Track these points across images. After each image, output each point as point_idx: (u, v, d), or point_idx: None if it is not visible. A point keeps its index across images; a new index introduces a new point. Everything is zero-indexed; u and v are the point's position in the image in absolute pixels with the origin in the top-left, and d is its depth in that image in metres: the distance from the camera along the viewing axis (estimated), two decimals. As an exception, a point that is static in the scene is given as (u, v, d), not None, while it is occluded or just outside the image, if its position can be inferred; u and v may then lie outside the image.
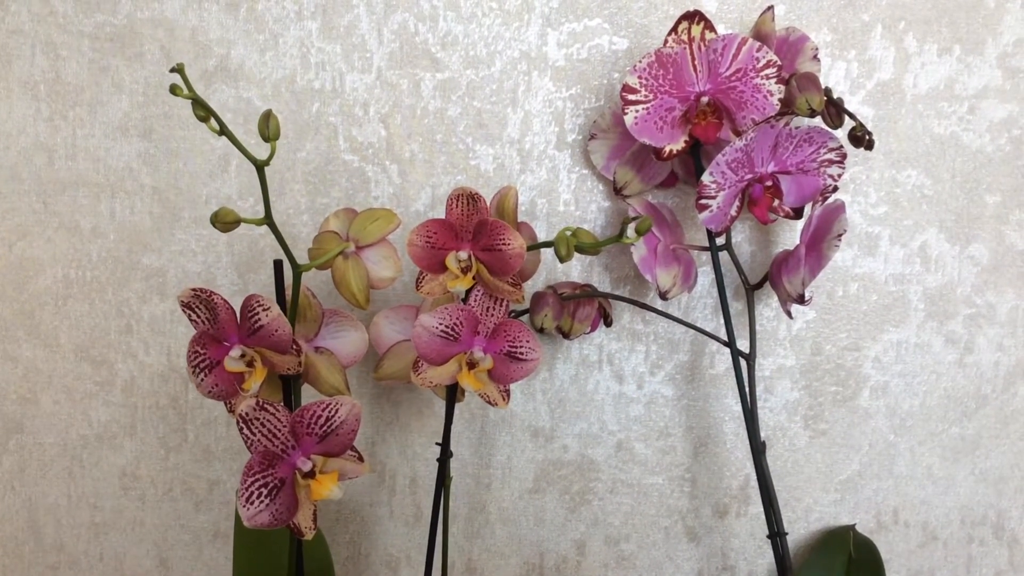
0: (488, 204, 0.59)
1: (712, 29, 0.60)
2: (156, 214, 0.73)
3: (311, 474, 0.54)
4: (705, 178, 0.60)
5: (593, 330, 0.68)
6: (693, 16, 0.60)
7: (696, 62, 0.60)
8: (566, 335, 0.66)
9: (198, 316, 0.55)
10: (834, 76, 0.72)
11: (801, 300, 0.63)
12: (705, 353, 0.75)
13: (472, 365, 0.59)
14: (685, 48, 0.60)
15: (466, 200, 0.57)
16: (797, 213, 0.65)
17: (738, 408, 0.75)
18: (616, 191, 0.68)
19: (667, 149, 0.62)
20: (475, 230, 0.58)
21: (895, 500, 0.77)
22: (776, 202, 0.62)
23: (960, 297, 0.74)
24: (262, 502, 0.53)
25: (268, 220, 0.55)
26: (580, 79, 0.71)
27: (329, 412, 0.53)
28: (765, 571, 0.78)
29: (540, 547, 0.77)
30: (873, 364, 0.75)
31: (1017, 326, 0.75)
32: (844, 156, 0.62)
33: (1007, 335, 0.75)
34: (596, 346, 0.74)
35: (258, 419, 0.52)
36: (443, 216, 0.59)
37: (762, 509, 0.68)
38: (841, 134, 0.63)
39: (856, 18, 0.71)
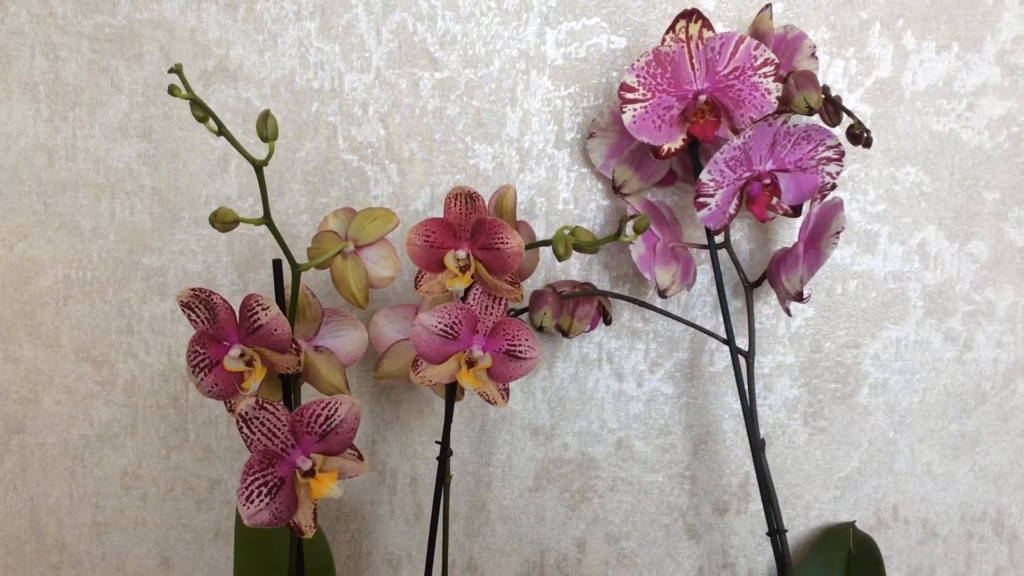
0: (487, 203, 0.59)
1: (710, 27, 0.61)
2: (156, 214, 0.73)
3: (311, 473, 0.54)
4: (703, 176, 0.61)
5: (592, 328, 0.68)
6: (691, 14, 0.60)
7: (694, 60, 0.60)
8: (565, 333, 0.66)
9: (198, 316, 0.56)
10: (832, 74, 0.72)
11: (800, 298, 0.63)
12: (704, 351, 0.75)
13: (471, 364, 0.59)
14: (683, 47, 0.60)
15: (464, 199, 0.57)
16: (795, 211, 0.65)
17: (737, 406, 0.75)
18: (615, 189, 0.68)
19: (665, 147, 0.62)
20: (473, 229, 0.58)
21: (895, 497, 0.77)
22: (774, 200, 0.62)
23: (959, 294, 0.74)
24: (262, 501, 0.53)
25: (267, 220, 0.55)
26: (578, 78, 0.72)
27: (329, 411, 0.53)
28: (765, 568, 0.78)
29: (541, 545, 0.77)
30: (872, 361, 0.75)
31: (1016, 323, 0.75)
32: (842, 154, 0.63)
33: (1006, 332, 0.75)
34: (595, 344, 0.75)
35: (258, 418, 0.52)
36: (442, 215, 0.59)
37: (762, 506, 0.68)
38: (839, 132, 0.63)
39: (854, 16, 0.71)
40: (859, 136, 0.63)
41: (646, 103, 0.61)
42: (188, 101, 0.51)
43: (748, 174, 0.62)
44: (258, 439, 0.53)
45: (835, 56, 0.71)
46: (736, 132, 0.61)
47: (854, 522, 0.76)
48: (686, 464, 0.76)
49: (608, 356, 0.75)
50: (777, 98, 0.60)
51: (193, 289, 0.54)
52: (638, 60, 0.60)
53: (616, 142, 0.69)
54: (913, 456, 0.76)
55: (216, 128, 0.52)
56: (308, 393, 0.61)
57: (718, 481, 0.76)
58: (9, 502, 0.77)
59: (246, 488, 0.53)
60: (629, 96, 0.60)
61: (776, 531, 0.65)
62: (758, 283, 0.68)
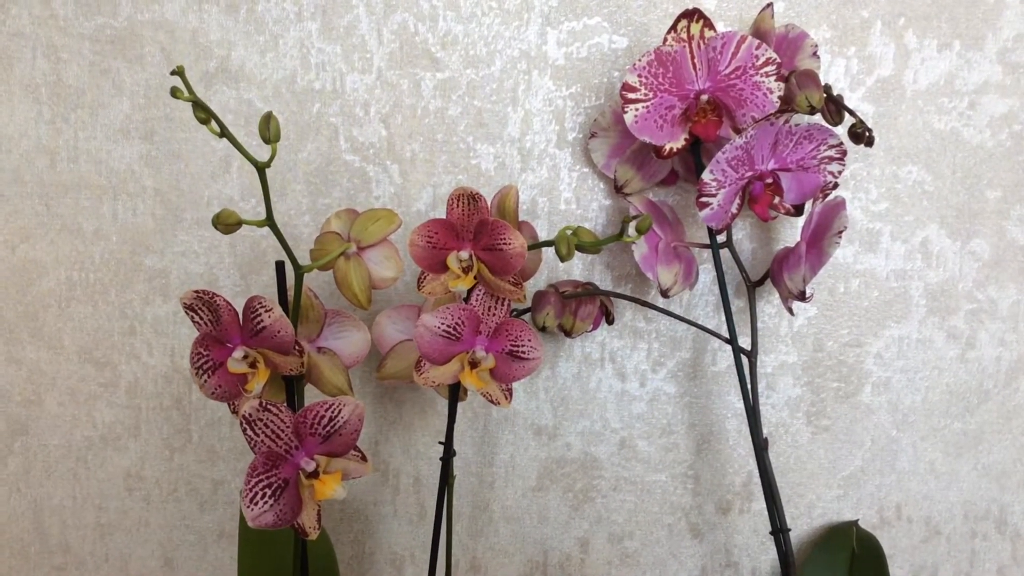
0: (489, 203, 0.59)
1: (711, 27, 0.61)
2: (158, 216, 0.73)
3: (315, 474, 0.54)
4: (705, 176, 0.61)
5: (595, 328, 0.68)
6: (692, 14, 0.60)
7: (696, 60, 0.60)
8: (568, 333, 0.66)
9: (201, 318, 0.56)
10: (834, 73, 0.72)
11: (802, 297, 0.63)
12: (707, 350, 0.75)
13: (474, 364, 0.59)
14: (684, 46, 0.60)
15: (467, 200, 0.57)
16: (798, 210, 0.65)
17: (740, 405, 0.75)
18: (617, 189, 0.68)
19: (667, 147, 0.62)
20: (476, 230, 0.58)
21: (898, 495, 0.77)
22: (777, 199, 0.62)
23: (961, 292, 0.74)
24: (266, 503, 0.53)
25: (270, 221, 0.55)
26: (580, 78, 0.72)
27: (332, 412, 0.53)
28: (768, 567, 0.78)
29: (544, 545, 0.78)
30: (875, 360, 0.75)
31: (1019, 321, 0.75)
32: (844, 153, 0.63)
33: (1009, 330, 0.75)
34: (598, 344, 0.75)
35: (261, 420, 0.52)
36: (444, 216, 0.59)
37: (765, 506, 0.68)
38: (841, 131, 0.63)
39: (855, 14, 0.71)
40: (861, 135, 0.63)
41: (648, 103, 0.61)
42: (190, 103, 0.51)
43: (750, 173, 0.62)
44: (262, 441, 0.53)
45: (836, 55, 0.71)
46: (738, 131, 0.61)
47: (857, 521, 0.76)
48: (689, 463, 0.76)
49: (611, 356, 0.75)
50: (779, 97, 0.60)
51: (196, 291, 0.54)
52: (640, 60, 0.60)
53: (618, 142, 0.69)
54: (916, 454, 0.76)
55: (218, 130, 0.52)
56: (311, 394, 0.61)
57: (721, 480, 0.76)
58: (12, 504, 0.77)
59: (250, 490, 0.53)
60: (631, 96, 0.60)
61: (779, 530, 0.65)
62: (760, 282, 0.68)
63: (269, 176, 0.71)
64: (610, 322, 0.70)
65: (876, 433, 0.76)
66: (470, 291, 0.60)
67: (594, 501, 0.77)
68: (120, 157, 0.73)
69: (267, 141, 0.54)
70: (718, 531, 0.77)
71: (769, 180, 0.62)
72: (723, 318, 0.71)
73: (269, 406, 0.52)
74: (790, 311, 0.67)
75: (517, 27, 0.71)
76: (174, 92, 0.50)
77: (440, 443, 0.66)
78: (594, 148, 0.70)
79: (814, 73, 0.61)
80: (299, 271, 0.57)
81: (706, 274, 0.73)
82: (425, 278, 0.60)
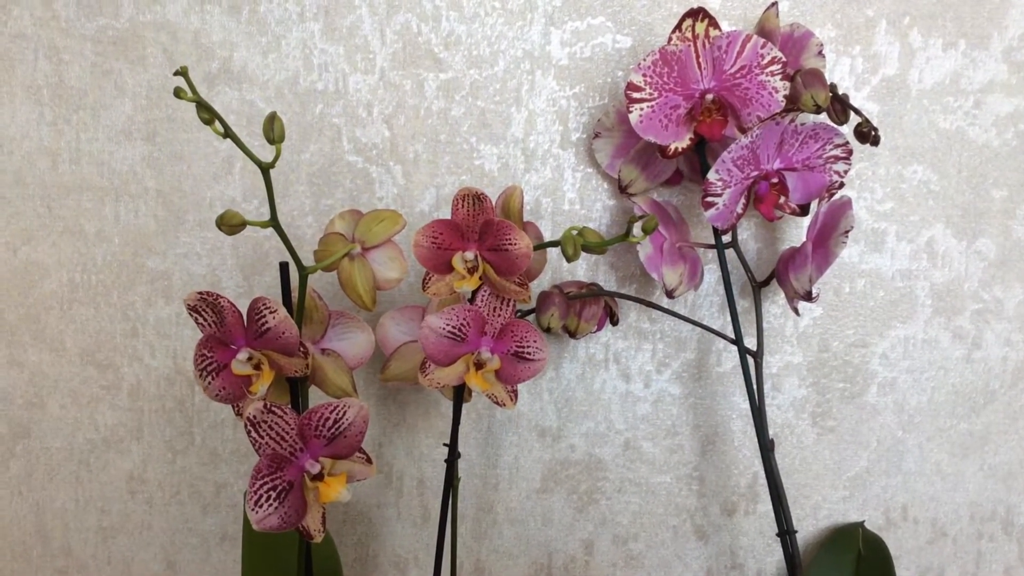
0: (493, 204, 0.59)
1: (716, 26, 0.60)
2: (161, 217, 0.73)
3: (319, 477, 0.54)
4: (711, 176, 0.60)
5: (599, 329, 0.67)
6: (697, 13, 0.60)
7: (700, 59, 0.60)
8: (572, 334, 0.66)
9: (205, 319, 0.55)
10: (839, 72, 0.71)
11: (808, 297, 0.62)
12: (712, 351, 0.74)
13: (479, 365, 0.59)
14: (689, 45, 0.60)
15: (472, 200, 0.57)
16: (803, 210, 0.65)
17: (746, 406, 0.75)
18: (621, 189, 0.68)
19: (672, 147, 0.61)
20: (481, 230, 0.58)
21: (904, 497, 0.77)
22: (782, 199, 0.62)
23: (967, 292, 0.74)
24: (271, 505, 0.53)
25: (274, 222, 0.55)
26: (584, 78, 0.71)
27: (337, 414, 0.53)
28: (774, 569, 0.77)
29: (548, 547, 0.77)
30: (881, 360, 0.75)
31: (1025, 321, 0.75)
32: (850, 152, 0.62)
33: (1015, 330, 0.75)
34: (602, 345, 0.74)
35: (266, 422, 0.52)
36: (448, 216, 0.59)
37: (771, 507, 0.67)
38: (847, 130, 0.63)
39: (860, 13, 0.71)
40: (866, 134, 0.63)
41: (653, 102, 0.60)
42: (193, 104, 0.51)
43: (755, 173, 0.61)
44: (266, 443, 0.53)
45: (841, 54, 0.71)
46: (743, 131, 0.60)
47: (863, 522, 0.76)
48: (694, 465, 0.76)
49: (615, 357, 0.74)
50: (784, 96, 0.59)
51: (200, 293, 0.54)
52: (644, 59, 0.60)
53: (622, 142, 0.68)
54: (922, 455, 0.76)
55: (222, 131, 0.52)
56: (316, 396, 0.61)
57: (726, 482, 0.76)
58: (15, 507, 0.77)
59: (255, 492, 0.53)
60: (635, 95, 0.60)
61: (785, 532, 0.65)
62: (766, 283, 0.68)
63: (272, 177, 0.70)
64: (614, 323, 0.69)
65: (882, 434, 0.76)
66: (475, 292, 0.60)
67: (598, 503, 0.76)
68: (122, 158, 0.73)
69: (271, 142, 0.53)
70: (723, 533, 0.77)
71: (775, 180, 0.61)
72: (728, 319, 0.71)
73: (274, 408, 0.52)
74: (796, 311, 0.67)
75: (520, 27, 0.71)
76: (178, 93, 0.50)
77: (444, 445, 0.66)
78: (598, 148, 0.69)
79: (820, 72, 0.61)
80: (303, 272, 0.56)
81: (711, 274, 0.73)
82: (430, 279, 0.60)
